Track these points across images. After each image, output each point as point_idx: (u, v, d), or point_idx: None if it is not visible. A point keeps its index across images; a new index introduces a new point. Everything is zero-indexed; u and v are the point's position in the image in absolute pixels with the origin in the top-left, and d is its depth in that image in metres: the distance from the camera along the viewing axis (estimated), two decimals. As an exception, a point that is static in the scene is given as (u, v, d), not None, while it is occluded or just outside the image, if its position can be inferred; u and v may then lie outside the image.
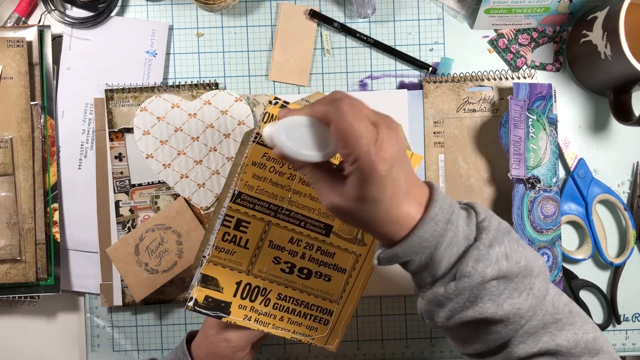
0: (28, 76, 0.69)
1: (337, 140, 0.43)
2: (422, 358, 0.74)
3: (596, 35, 0.66)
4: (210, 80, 0.72)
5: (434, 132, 0.72)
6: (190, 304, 0.58)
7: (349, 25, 0.73)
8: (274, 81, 0.73)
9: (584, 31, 0.68)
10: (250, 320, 0.59)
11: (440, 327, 0.48)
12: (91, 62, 0.72)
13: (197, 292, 0.58)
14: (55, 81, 0.71)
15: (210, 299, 0.58)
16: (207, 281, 0.58)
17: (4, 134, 0.68)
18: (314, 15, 0.72)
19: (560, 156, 0.73)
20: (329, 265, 0.60)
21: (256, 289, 0.59)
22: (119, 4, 0.72)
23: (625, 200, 0.73)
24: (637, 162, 0.73)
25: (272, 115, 0.57)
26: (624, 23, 0.61)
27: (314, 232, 0.59)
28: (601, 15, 0.66)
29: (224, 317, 0.58)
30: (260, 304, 0.59)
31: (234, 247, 0.58)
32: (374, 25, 0.73)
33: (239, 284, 0.58)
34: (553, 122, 0.69)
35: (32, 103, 0.69)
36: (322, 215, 0.59)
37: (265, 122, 0.56)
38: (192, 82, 0.72)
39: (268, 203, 0.57)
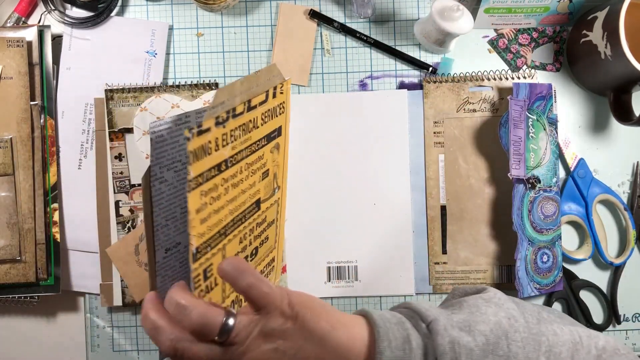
0: (28, 76, 0.69)
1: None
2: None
3: (596, 35, 0.66)
4: (210, 80, 0.72)
5: (434, 132, 0.72)
6: None
7: (349, 25, 0.73)
8: (274, 81, 0.73)
9: (584, 31, 0.68)
10: None
11: None
12: (91, 62, 0.72)
13: None
14: (55, 81, 0.71)
15: None
16: None
17: (4, 134, 0.68)
18: (314, 15, 0.72)
19: (560, 156, 0.73)
20: (265, 229, 0.58)
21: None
22: (119, 4, 0.72)
23: (625, 200, 0.73)
24: (637, 162, 0.73)
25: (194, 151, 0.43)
26: (624, 23, 0.61)
27: (252, 216, 0.56)
28: (601, 15, 0.66)
29: None
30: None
31: (209, 295, 0.49)
32: (374, 25, 0.73)
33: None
34: (553, 122, 0.69)
35: (32, 103, 0.69)
36: (253, 196, 0.55)
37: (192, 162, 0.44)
38: (192, 82, 0.72)
39: (218, 232, 0.50)
